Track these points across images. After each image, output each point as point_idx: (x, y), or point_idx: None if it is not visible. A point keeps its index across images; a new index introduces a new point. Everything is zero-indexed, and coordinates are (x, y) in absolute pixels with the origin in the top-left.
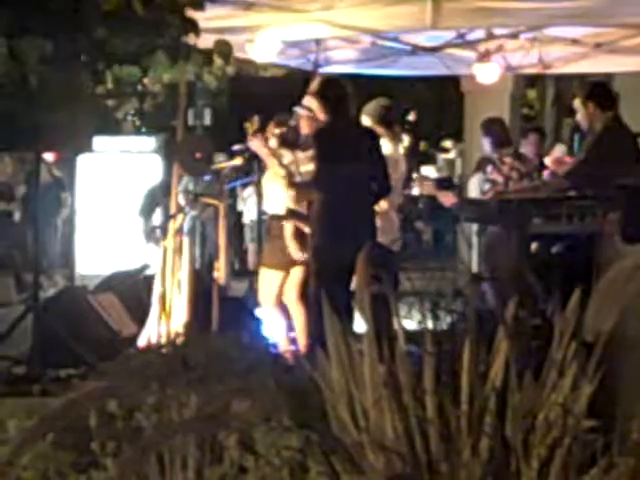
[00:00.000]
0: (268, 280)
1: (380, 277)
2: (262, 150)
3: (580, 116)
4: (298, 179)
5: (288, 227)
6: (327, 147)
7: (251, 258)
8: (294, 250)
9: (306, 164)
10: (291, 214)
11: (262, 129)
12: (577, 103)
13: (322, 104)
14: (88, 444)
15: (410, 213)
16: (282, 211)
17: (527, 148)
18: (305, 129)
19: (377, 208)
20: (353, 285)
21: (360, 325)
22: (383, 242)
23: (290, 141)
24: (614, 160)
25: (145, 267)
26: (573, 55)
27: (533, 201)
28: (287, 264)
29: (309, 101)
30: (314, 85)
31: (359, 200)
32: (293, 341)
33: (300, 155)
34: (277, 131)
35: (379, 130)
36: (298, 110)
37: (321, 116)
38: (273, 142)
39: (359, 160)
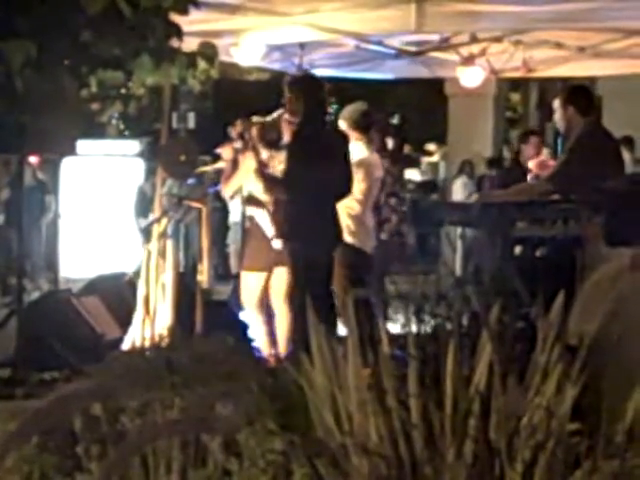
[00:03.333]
0: (250, 283)
1: (356, 280)
2: (229, 154)
3: (558, 117)
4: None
5: (263, 215)
6: (301, 147)
7: (232, 260)
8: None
9: (282, 162)
10: (250, 201)
11: (247, 130)
12: (557, 104)
13: (296, 99)
14: (72, 447)
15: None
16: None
17: (527, 152)
18: (287, 132)
19: (351, 211)
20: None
21: (343, 328)
22: (357, 245)
23: (271, 141)
24: (595, 163)
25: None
26: (557, 59)
27: (517, 204)
28: (268, 265)
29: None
30: (287, 78)
31: (326, 201)
32: (276, 343)
33: (276, 153)
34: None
35: (354, 135)
36: (280, 112)
37: (294, 112)
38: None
39: (330, 161)
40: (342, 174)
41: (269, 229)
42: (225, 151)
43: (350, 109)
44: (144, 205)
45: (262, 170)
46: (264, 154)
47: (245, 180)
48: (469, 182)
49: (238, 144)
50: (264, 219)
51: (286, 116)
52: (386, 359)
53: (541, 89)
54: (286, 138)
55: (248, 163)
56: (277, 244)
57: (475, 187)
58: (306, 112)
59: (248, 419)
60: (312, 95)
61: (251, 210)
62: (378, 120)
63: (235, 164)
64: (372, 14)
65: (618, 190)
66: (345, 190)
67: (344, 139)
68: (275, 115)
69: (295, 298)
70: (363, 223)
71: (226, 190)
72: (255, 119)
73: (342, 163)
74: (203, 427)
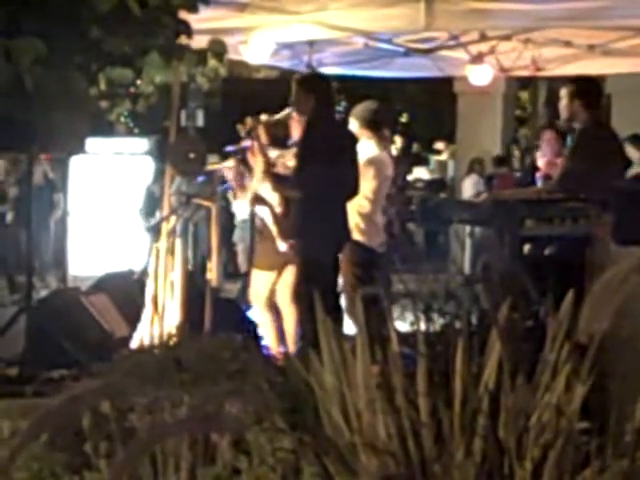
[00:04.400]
0: (259, 281)
1: (365, 278)
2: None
3: (562, 105)
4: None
5: (268, 214)
6: (311, 146)
7: (240, 258)
8: (279, 236)
9: (291, 160)
10: (257, 200)
11: (254, 130)
12: (564, 93)
13: (305, 99)
14: (81, 445)
15: (402, 215)
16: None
17: (545, 149)
18: (295, 130)
19: (361, 210)
20: (339, 285)
21: (348, 326)
22: (367, 243)
23: (280, 140)
24: (599, 161)
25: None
26: (566, 57)
27: (526, 203)
28: (279, 265)
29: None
30: (296, 77)
31: (337, 200)
32: (284, 341)
33: (285, 151)
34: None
35: (366, 133)
36: (288, 111)
37: (302, 111)
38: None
39: (339, 160)
40: (350, 173)
41: (274, 229)
42: (228, 162)
43: (361, 107)
44: (151, 204)
45: (270, 170)
46: (273, 153)
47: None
48: (479, 180)
49: (247, 142)
50: (269, 219)
51: (295, 114)
52: (395, 357)
53: (550, 87)
54: (295, 136)
55: (259, 165)
56: (282, 246)
57: (485, 186)
58: (315, 110)
59: (257, 417)
60: (320, 93)
61: (258, 210)
62: (388, 119)
63: (239, 173)
64: (381, 12)
65: (627, 189)
66: (353, 190)
67: (352, 138)
68: (283, 114)
69: (302, 296)
70: (373, 221)
71: (243, 198)
72: (262, 118)
73: (350, 162)
74: (212, 425)
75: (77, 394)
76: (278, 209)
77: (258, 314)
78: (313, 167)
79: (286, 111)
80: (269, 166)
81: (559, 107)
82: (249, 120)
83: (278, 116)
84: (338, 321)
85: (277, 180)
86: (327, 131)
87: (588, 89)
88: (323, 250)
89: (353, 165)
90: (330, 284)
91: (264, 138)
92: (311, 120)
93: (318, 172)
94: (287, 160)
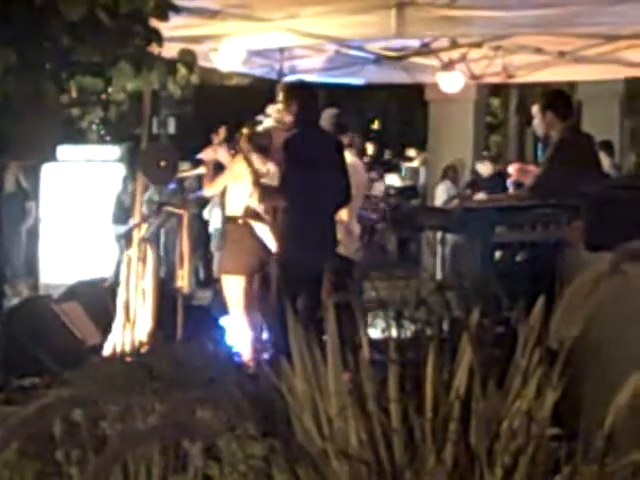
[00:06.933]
0: (232, 286)
1: (341, 286)
2: (226, 157)
3: (537, 122)
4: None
5: (264, 228)
6: (294, 154)
7: (215, 266)
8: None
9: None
10: (249, 213)
11: (229, 139)
12: (535, 110)
13: (289, 107)
14: (53, 453)
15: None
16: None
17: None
18: (279, 139)
19: (337, 218)
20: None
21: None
22: (343, 252)
23: (263, 147)
24: (574, 168)
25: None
26: (536, 64)
27: (497, 209)
28: (247, 268)
29: (278, 106)
30: (281, 86)
31: (324, 208)
32: (260, 348)
33: (266, 160)
34: (247, 136)
35: None
36: (269, 122)
37: (287, 119)
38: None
39: (325, 168)
40: (339, 181)
41: (270, 239)
42: (207, 153)
43: (324, 115)
44: (123, 211)
45: (259, 180)
46: (257, 161)
47: (231, 183)
48: (452, 187)
49: (221, 150)
50: (264, 231)
51: (274, 123)
52: (366, 364)
53: (521, 94)
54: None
55: (237, 168)
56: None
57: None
58: (297, 118)
59: (229, 424)
60: (302, 101)
61: (254, 224)
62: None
63: (218, 165)
64: (352, 19)
65: (598, 195)
66: (344, 197)
67: (339, 145)
68: (267, 125)
69: (276, 304)
70: (348, 230)
71: (211, 190)
72: (245, 130)
73: (338, 169)
74: (184, 432)
75: (49, 402)
76: (267, 217)
77: (235, 320)
78: (297, 176)
79: (269, 122)
80: (258, 177)
81: (534, 125)
82: (223, 129)
83: (262, 127)
84: (321, 333)
85: (265, 191)
86: (310, 139)
87: (558, 99)
88: (307, 259)
89: (342, 172)
90: (314, 293)
91: (247, 150)
92: (297, 129)
93: (302, 181)
94: (266, 170)
